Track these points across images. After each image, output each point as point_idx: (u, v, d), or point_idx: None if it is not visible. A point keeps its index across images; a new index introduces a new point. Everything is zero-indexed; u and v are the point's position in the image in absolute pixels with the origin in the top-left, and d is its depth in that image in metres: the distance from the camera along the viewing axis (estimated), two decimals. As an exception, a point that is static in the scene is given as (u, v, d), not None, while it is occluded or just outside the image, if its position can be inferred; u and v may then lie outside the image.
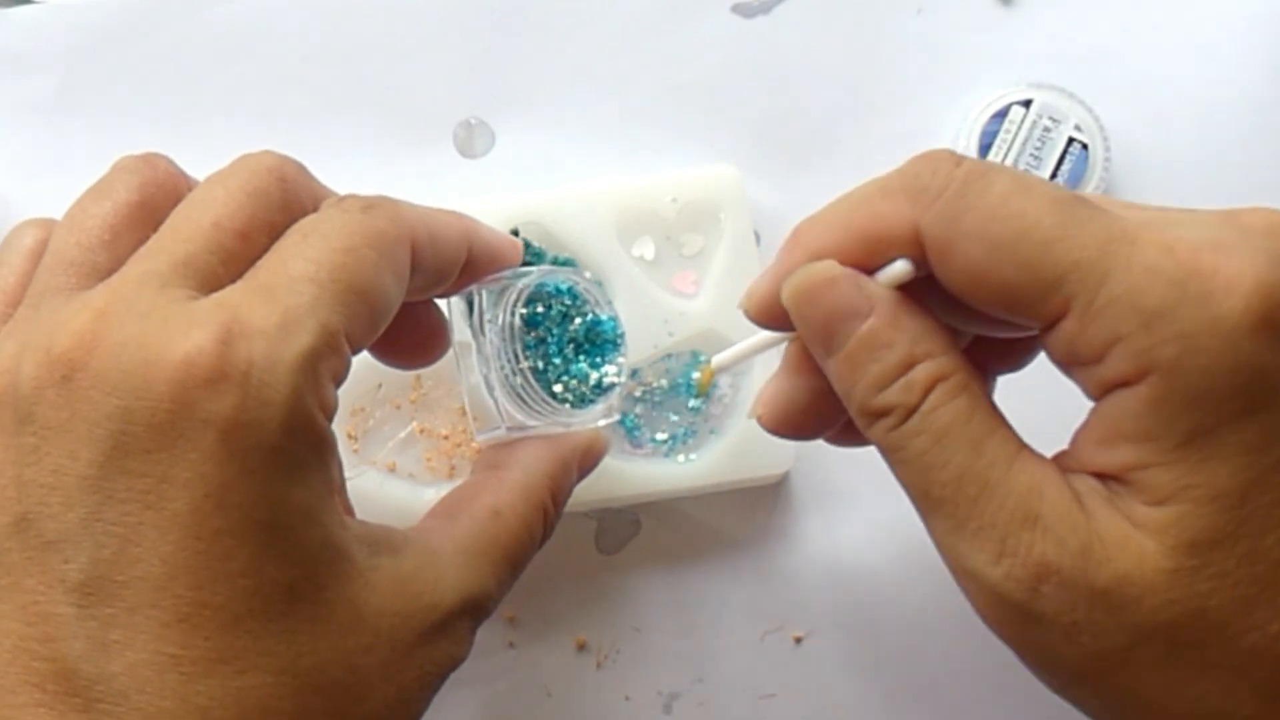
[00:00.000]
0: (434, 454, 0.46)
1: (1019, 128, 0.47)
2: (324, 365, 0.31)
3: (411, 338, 0.39)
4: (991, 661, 0.45)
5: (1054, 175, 0.47)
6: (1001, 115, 0.48)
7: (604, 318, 0.40)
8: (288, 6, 0.49)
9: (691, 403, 0.46)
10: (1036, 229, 0.30)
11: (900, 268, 0.32)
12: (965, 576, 0.32)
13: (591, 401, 0.39)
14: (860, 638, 0.46)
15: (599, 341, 0.40)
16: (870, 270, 0.33)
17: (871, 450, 0.47)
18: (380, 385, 0.46)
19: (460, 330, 0.39)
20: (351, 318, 0.31)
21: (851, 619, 0.46)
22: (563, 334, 0.39)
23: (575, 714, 0.46)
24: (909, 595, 0.47)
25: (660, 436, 0.46)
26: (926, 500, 0.32)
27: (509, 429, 0.38)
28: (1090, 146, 0.47)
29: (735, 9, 0.50)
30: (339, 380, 0.32)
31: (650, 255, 0.47)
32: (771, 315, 0.35)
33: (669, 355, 0.47)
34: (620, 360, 0.40)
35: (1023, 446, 0.32)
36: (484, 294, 0.38)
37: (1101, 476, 0.31)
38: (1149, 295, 0.29)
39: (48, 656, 0.29)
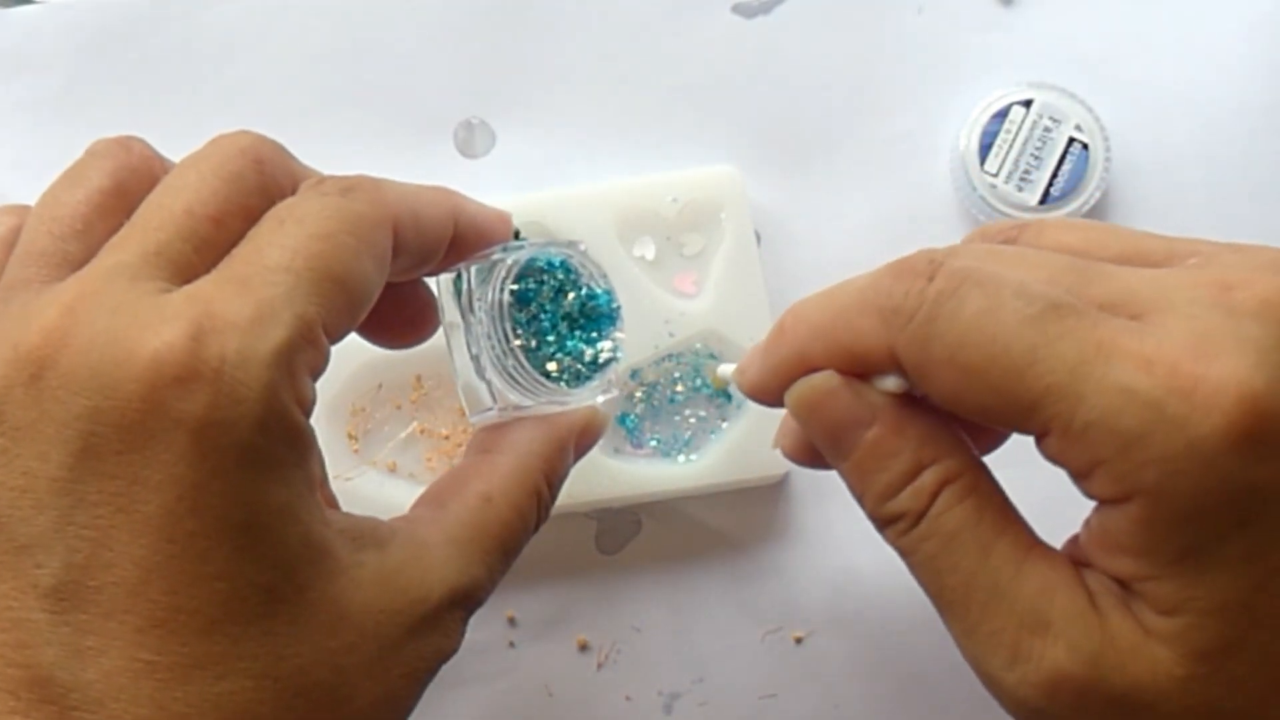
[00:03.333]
0: (434, 454, 0.46)
1: (1019, 128, 0.47)
2: (300, 359, 0.30)
3: (398, 318, 0.38)
4: (992, 661, 0.46)
5: (1054, 175, 0.47)
6: (1002, 115, 0.48)
7: (599, 291, 0.38)
8: (288, 6, 0.49)
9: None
10: (1006, 355, 0.29)
11: (893, 383, 0.32)
12: (983, 677, 0.32)
13: (587, 379, 0.38)
14: (860, 638, 0.46)
15: (594, 316, 0.38)
16: (866, 376, 0.33)
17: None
18: (380, 385, 0.46)
19: (449, 310, 0.37)
20: (329, 308, 0.30)
21: (851, 619, 0.46)
22: (556, 310, 0.38)
23: (576, 714, 0.46)
24: (909, 595, 0.46)
25: (660, 436, 0.46)
26: (939, 602, 0.32)
27: (502, 410, 0.37)
28: (1090, 146, 0.47)
29: (735, 9, 0.50)
30: (317, 373, 0.31)
31: (651, 255, 0.47)
32: (767, 395, 0.35)
33: (670, 355, 0.47)
34: (617, 335, 0.39)
35: (1034, 545, 0.31)
36: (472, 271, 0.37)
37: (1110, 577, 0.31)
38: (1124, 419, 0.28)
39: (21, 663, 0.28)
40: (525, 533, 0.36)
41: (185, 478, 0.28)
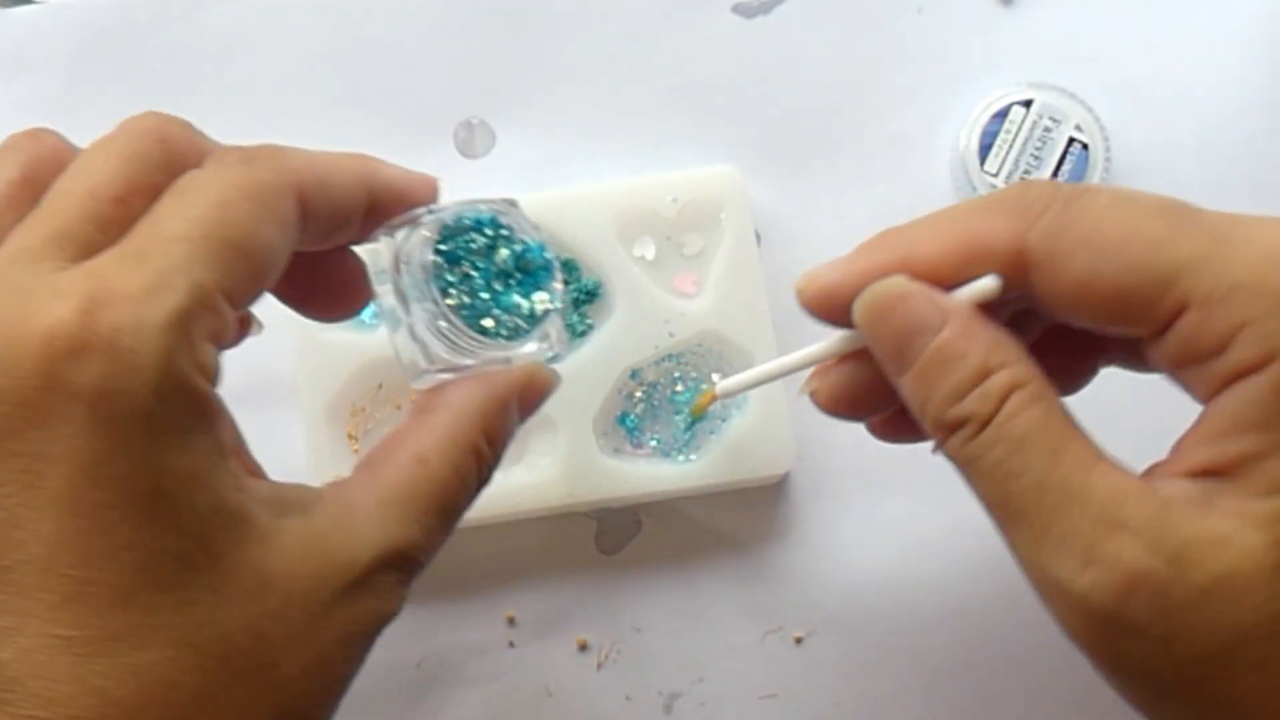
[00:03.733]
0: (434, 454, 0.46)
1: (1019, 128, 0.47)
2: (198, 325, 0.30)
3: (327, 288, 0.38)
4: (991, 662, 0.46)
5: (1054, 175, 0.47)
6: (1002, 115, 0.48)
7: (531, 243, 0.38)
8: (288, 6, 0.49)
9: (682, 425, 0.46)
10: (1145, 230, 0.31)
11: (988, 284, 0.32)
12: (1050, 589, 0.31)
13: (526, 333, 0.37)
14: (860, 638, 0.46)
15: (530, 270, 0.38)
16: (950, 288, 0.33)
17: (872, 450, 0.48)
18: (380, 385, 0.46)
19: (379, 276, 0.37)
20: (228, 274, 0.30)
21: (851, 619, 0.46)
22: (489, 267, 0.37)
23: (575, 714, 0.46)
24: (909, 595, 0.47)
25: (660, 436, 0.46)
26: (1005, 511, 0.31)
27: (440, 371, 0.37)
28: (1090, 146, 0.47)
29: (735, 9, 0.50)
30: (221, 340, 0.31)
31: (651, 255, 0.47)
32: (826, 306, 0.35)
33: (669, 355, 0.47)
34: (554, 285, 0.38)
35: (1102, 456, 0.31)
36: (398, 235, 0.36)
37: (1201, 475, 0.30)
38: (1275, 276, 0.29)
39: None
40: (464, 492, 0.35)
41: (86, 449, 0.28)
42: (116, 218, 0.31)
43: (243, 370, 0.48)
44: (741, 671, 0.46)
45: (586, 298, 0.47)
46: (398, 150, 0.49)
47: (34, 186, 0.32)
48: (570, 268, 0.47)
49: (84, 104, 0.49)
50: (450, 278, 0.37)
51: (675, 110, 0.49)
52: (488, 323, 0.37)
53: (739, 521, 0.47)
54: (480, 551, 0.47)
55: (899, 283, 0.33)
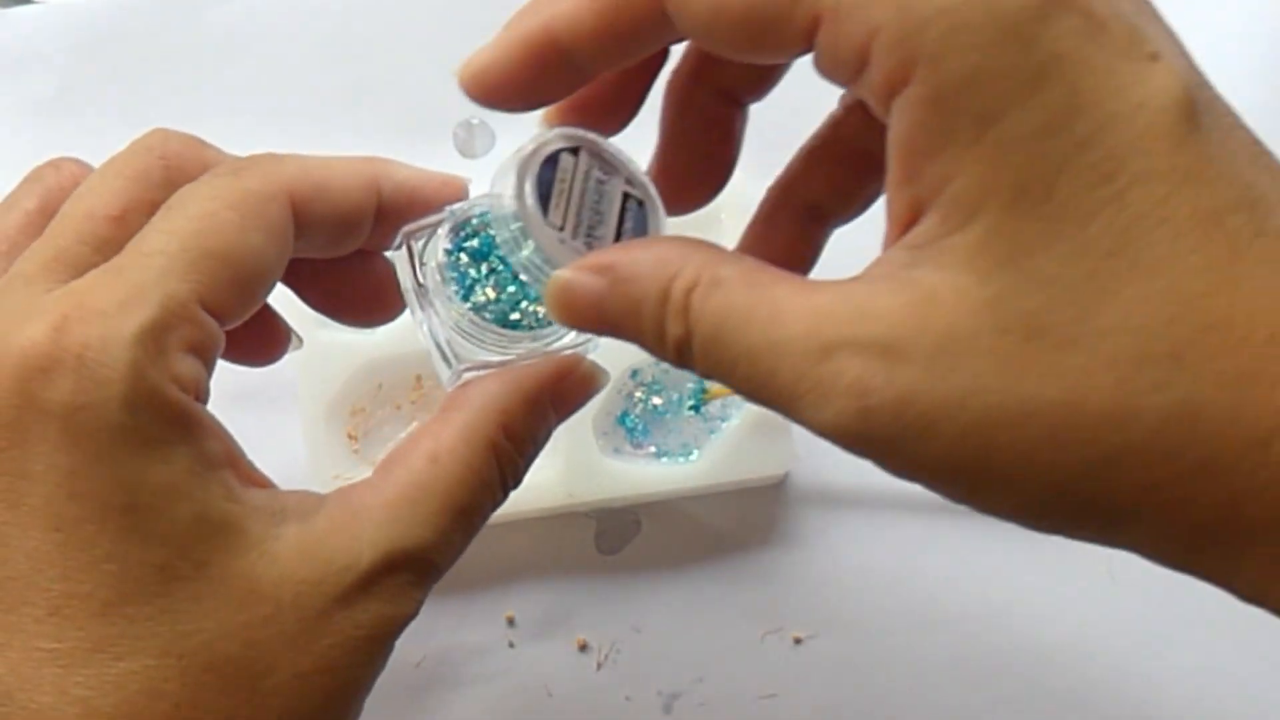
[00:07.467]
0: (434, 454, 0.46)
1: (1019, 128, 0.47)
2: (172, 336, 0.30)
3: (357, 295, 0.38)
4: (989, 662, 0.46)
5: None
6: (1001, 115, 0.47)
7: None
8: (288, 6, 0.49)
9: (688, 405, 0.46)
10: None
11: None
12: (819, 434, 0.28)
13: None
14: (860, 638, 0.46)
15: None
16: (601, 44, 0.31)
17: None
18: (380, 385, 0.46)
19: (405, 277, 0.36)
20: (208, 284, 0.31)
21: (851, 619, 0.46)
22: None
23: (575, 714, 0.46)
24: (909, 595, 0.47)
25: (660, 437, 0.46)
26: (758, 398, 0.29)
27: (467, 370, 0.36)
28: (1090, 146, 0.47)
29: (735, 9, 0.50)
30: (204, 351, 0.31)
31: (650, 255, 0.47)
32: (485, 89, 0.33)
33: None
34: None
35: (796, 291, 0.28)
36: (421, 236, 0.36)
37: (909, 226, 0.27)
38: None
39: None
40: (484, 490, 0.34)
41: (62, 465, 0.29)
42: (113, 237, 0.31)
43: (243, 371, 0.48)
44: (741, 671, 0.46)
45: (586, 298, 0.47)
46: (397, 151, 0.49)
47: (50, 215, 0.33)
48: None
49: (84, 104, 0.49)
50: (474, 274, 0.36)
51: (675, 110, 0.49)
52: (515, 316, 0.36)
53: (739, 522, 0.47)
54: (480, 551, 0.47)
55: (555, 277, 0.31)
